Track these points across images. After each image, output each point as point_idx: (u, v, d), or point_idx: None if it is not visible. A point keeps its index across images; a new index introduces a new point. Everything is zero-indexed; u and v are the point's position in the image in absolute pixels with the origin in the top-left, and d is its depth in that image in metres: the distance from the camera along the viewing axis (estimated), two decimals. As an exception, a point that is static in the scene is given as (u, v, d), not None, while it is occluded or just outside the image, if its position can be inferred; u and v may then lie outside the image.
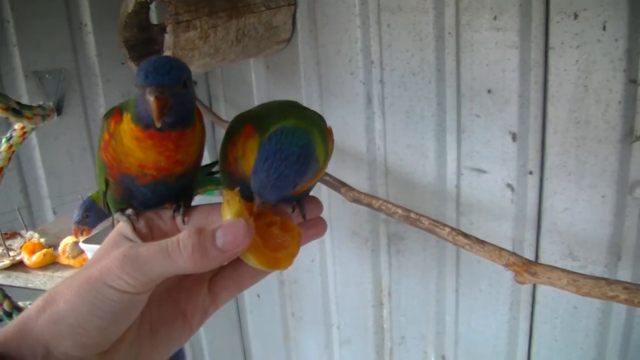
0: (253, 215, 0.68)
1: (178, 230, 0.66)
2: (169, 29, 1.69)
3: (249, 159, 0.70)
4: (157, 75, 0.67)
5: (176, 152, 0.73)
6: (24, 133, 1.17)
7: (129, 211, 0.73)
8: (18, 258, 1.65)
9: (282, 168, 0.64)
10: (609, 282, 1.20)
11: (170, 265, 0.61)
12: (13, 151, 1.21)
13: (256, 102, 2.40)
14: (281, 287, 2.72)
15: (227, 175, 0.78)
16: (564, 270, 1.27)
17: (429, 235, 1.58)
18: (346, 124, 2.19)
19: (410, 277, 2.28)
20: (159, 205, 0.77)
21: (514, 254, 1.36)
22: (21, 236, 1.79)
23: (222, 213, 0.67)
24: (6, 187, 1.87)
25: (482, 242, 1.41)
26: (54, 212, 2.17)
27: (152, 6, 1.90)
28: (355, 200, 1.72)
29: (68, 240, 1.68)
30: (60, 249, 1.67)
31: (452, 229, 1.46)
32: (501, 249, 1.38)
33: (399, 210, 1.59)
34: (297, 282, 2.65)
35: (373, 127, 2.15)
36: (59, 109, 1.99)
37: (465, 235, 1.43)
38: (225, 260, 0.63)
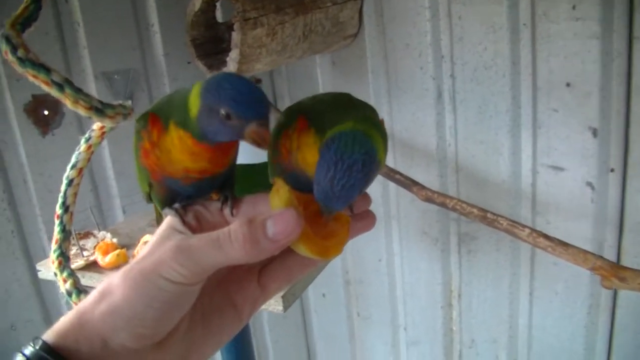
0: (302, 204, 0.67)
1: (226, 222, 0.67)
2: (236, 26, 1.67)
3: (304, 152, 0.70)
4: (261, 106, 0.68)
5: (224, 159, 0.75)
6: (103, 133, 1.16)
7: (177, 205, 0.74)
8: (92, 258, 1.66)
9: (346, 178, 0.61)
10: None
11: (222, 256, 0.61)
12: (92, 151, 1.20)
13: (322, 99, 2.37)
14: (347, 287, 2.69)
15: (277, 166, 0.76)
16: (657, 276, 1.19)
17: (502, 235, 1.51)
18: (416, 120, 2.14)
19: (482, 278, 2.21)
20: (203, 197, 0.78)
21: (600, 257, 1.29)
22: (94, 236, 1.80)
23: (271, 202, 0.66)
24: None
25: (565, 245, 1.34)
26: (124, 212, 2.19)
27: (219, 4, 1.90)
28: (428, 200, 1.67)
29: (145, 239, 1.67)
30: (137, 249, 1.67)
31: (533, 230, 1.40)
32: (586, 251, 1.31)
33: (475, 210, 1.53)
34: (363, 282, 2.61)
35: (444, 123, 2.08)
36: (128, 109, 2.00)
37: (547, 237, 1.36)
38: (276, 250, 0.63)
